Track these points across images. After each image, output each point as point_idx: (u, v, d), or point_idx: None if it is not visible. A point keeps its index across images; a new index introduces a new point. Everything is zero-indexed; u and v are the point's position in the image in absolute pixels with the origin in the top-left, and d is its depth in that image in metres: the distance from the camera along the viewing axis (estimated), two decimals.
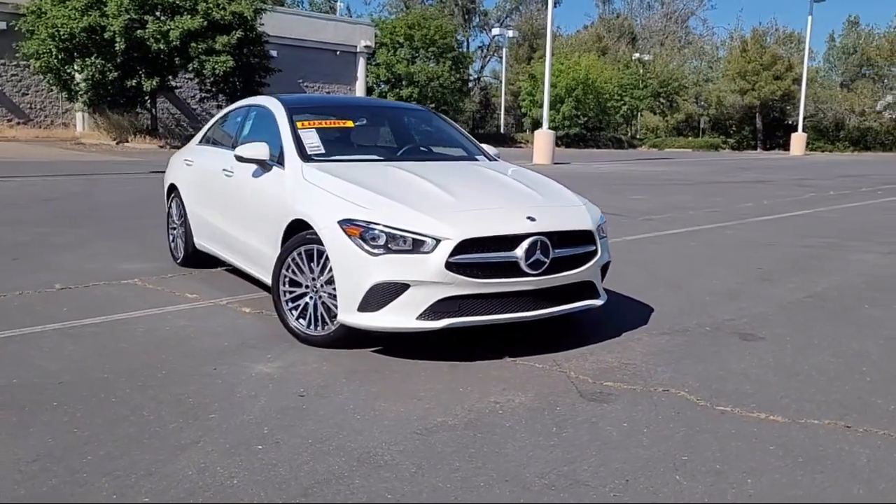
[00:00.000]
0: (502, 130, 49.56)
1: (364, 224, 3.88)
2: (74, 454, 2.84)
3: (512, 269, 3.92)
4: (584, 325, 4.76)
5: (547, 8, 28.16)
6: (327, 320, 4.16)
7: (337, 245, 3.94)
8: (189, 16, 25.76)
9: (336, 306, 4.08)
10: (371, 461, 2.85)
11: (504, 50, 47.42)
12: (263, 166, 4.82)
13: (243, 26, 27.10)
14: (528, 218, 4.01)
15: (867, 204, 13.39)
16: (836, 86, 62.31)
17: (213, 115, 29.95)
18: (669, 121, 58.78)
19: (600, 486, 2.70)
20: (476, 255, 3.84)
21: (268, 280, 4.76)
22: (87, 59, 25.33)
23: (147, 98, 27.97)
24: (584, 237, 4.24)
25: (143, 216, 9.52)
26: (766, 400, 3.55)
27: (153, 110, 29.35)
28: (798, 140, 42.38)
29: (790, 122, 58.28)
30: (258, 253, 4.83)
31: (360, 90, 39.32)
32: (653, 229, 9.30)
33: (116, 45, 25.10)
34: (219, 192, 5.46)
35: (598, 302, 4.41)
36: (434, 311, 3.83)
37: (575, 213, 4.34)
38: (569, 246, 4.13)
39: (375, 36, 39.78)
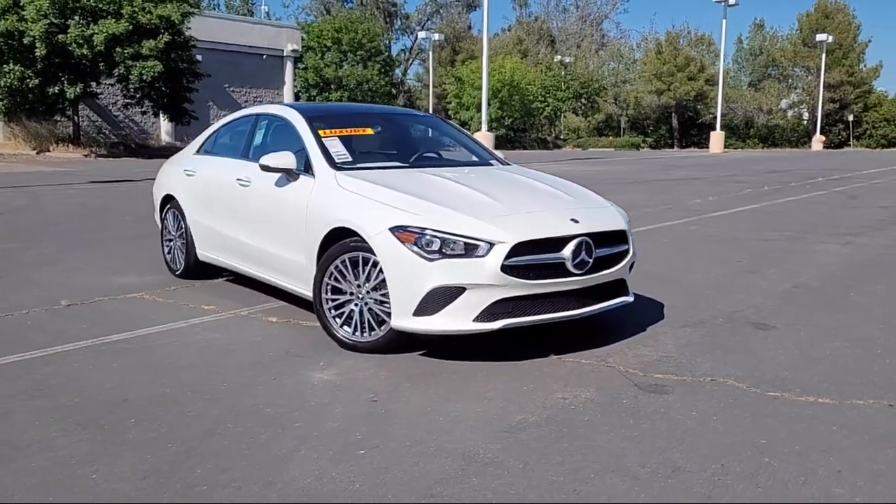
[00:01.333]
0: None
1: (418, 230, 3.96)
2: (182, 469, 2.83)
3: (559, 269, 4.07)
4: (608, 322, 4.96)
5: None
6: (374, 326, 4.21)
7: (391, 252, 4.00)
8: (113, 20, 24.93)
9: (383, 312, 4.14)
10: (477, 460, 2.95)
11: (430, 53, 47.67)
12: (290, 175, 4.82)
13: (170, 30, 26.40)
14: (572, 220, 4.17)
15: (802, 198, 14.17)
16: (745, 86, 65.32)
17: (136, 122, 28.67)
18: (591, 121, 60.30)
19: (700, 470, 2.87)
20: (528, 258, 3.98)
21: (297, 289, 4.79)
22: (4, 65, 24.21)
23: (68, 105, 26.90)
24: (619, 236, 4.44)
25: (103, 228, 9.25)
26: (807, 384, 3.81)
27: (75, 118, 28.27)
28: (717, 138, 44.26)
29: (704, 121, 60.83)
30: (285, 262, 4.83)
31: (287, 94, 38.87)
32: None
33: (36, 50, 24.08)
34: (232, 202, 5.41)
35: (629, 299, 4.61)
36: (490, 312, 3.95)
37: (609, 214, 4.53)
38: (607, 245, 4.32)
39: (302, 39, 39.41)
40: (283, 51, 38.33)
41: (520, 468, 2.88)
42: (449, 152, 5.67)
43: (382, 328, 4.18)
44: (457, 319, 3.95)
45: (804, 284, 6.24)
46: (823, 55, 55.50)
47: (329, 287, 4.33)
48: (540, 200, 4.50)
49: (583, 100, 58.09)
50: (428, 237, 3.94)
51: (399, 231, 3.99)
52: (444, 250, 3.93)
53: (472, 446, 3.07)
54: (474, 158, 5.59)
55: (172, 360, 4.14)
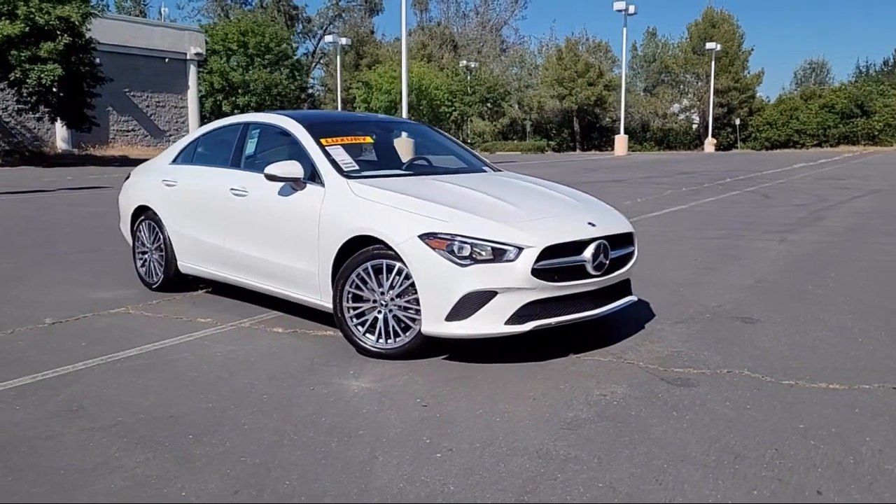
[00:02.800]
0: None
1: (449, 237, 4.05)
2: (268, 481, 2.83)
3: (580, 271, 4.25)
4: (609, 321, 5.17)
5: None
6: (399, 332, 4.27)
7: (421, 259, 4.07)
8: (8, 20, 23.66)
9: (408, 318, 4.21)
10: (552, 457, 3.07)
11: (338, 57, 47.38)
12: (297, 185, 4.80)
13: (70, 32, 25.27)
14: (590, 223, 4.36)
15: (721, 198, 14.97)
16: (641, 91, 68.10)
17: (30, 129, 27.40)
18: (496, 125, 61.43)
19: (759, 456, 3.09)
20: (554, 261, 4.13)
21: (304, 298, 4.78)
22: None
23: None
24: (628, 238, 4.66)
25: (50, 242, 8.83)
26: (813, 372, 4.12)
27: None
28: (621, 141, 45.98)
29: (604, 125, 63.08)
30: (290, 270, 4.81)
31: (192, 99, 37.83)
32: None
33: None
34: (226, 213, 5.31)
35: (634, 298, 4.84)
36: (520, 315, 4.08)
37: (617, 218, 4.75)
38: (618, 248, 4.53)
39: (206, 42, 38.42)
40: (186, 54, 37.31)
41: (596, 463, 3.02)
42: (439, 159, 5.76)
43: (407, 334, 4.24)
44: (488, 323, 4.06)
45: (764, 279, 6.67)
46: (713, 62, 58.46)
47: (350, 295, 4.36)
48: (556, 205, 4.68)
49: (489, 104, 59.14)
50: (458, 243, 4.04)
51: (429, 238, 4.07)
52: (474, 256, 4.03)
53: (541, 445, 3.18)
54: (465, 165, 5.71)
55: (197, 374, 4.07)
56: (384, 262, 4.24)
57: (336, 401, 3.68)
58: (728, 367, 4.20)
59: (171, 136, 36.26)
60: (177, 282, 5.90)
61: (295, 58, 41.76)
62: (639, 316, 5.29)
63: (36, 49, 24.01)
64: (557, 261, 4.16)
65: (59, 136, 32.88)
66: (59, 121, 28.67)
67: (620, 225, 4.65)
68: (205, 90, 37.95)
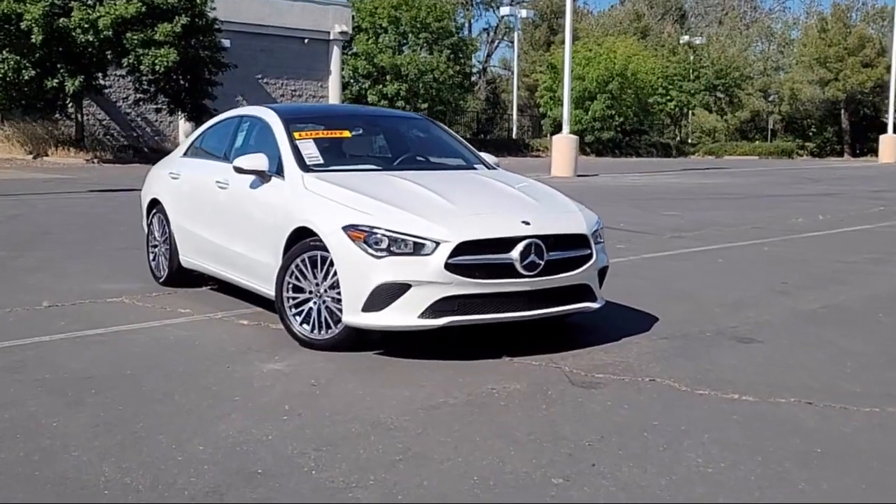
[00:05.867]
0: (514, 135, 51.29)
1: (367, 229, 5.47)
2: (128, 422, 4.39)
3: (508, 270, 5.49)
4: (585, 331, 6.32)
5: None
6: (331, 324, 5.72)
7: (342, 249, 5.51)
8: (123, 0, 27.52)
9: (340, 310, 5.64)
10: (383, 426, 4.40)
11: (516, 34, 49.57)
12: (262, 177, 6.41)
13: (190, 11, 28.93)
14: (523, 222, 5.60)
15: None
16: None
17: (150, 122, 31.26)
18: (730, 121, 60.77)
19: (578, 440, 4.24)
20: (474, 257, 5.42)
21: (265, 291, 6.34)
22: None
23: (70, 101, 29.63)
24: (579, 241, 5.82)
25: (99, 238, 11.14)
26: (742, 386, 5.10)
27: (78, 116, 31.07)
28: (889, 143, 43.70)
29: (884, 121, 60.48)
30: (257, 263, 6.40)
31: (333, 87, 41.19)
32: (679, 246, 10.90)
33: (33, 36, 26.80)
34: (212, 205, 7.05)
35: (594, 305, 5.98)
36: (434, 310, 5.40)
37: (570, 218, 5.94)
38: (563, 249, 5.71)
39: (353, 19, 41.72)
40: (329, 33, 40.67)
41: (417, 433, 4.32)
42: (436, 156, 7.17)
43: (338, 326, 5.68)
44: (403, 315, 5.41)
45: (837, 305, 7.42)
46: None
47: (290, 286, 5.88)
48: (498, 202, 5.96)
49: (719, 93, 58.75)
50: (378, 236, 5.43)
51: (350, 229, 5.50)
52: (392, 248, 5.41)
53: (384, 418, 4.52)
54: (458, 162, 7.08)
55: (139, 350, 5.76)
56: (318, 253, 5.73)
57: (239, 378, 5.21)
58: (655, 377, 5.27)
59: None
60: (181, 277, 7.70)
61: (458, 35, 44.23)
62: (625, 329, 6.38)
63: (151, 31, 27.82)
64: (479, 257, 5.44)
65: (182, 129, 37.19)
66: (179, 112, 32.66)
67: (568, 226, 5.82)
68: (348, 76, 41.21)
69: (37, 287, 7.83)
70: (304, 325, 5.84)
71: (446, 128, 7.65)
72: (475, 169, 7.00)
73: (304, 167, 6.30)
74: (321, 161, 6.43)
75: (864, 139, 61.05)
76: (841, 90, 58.60)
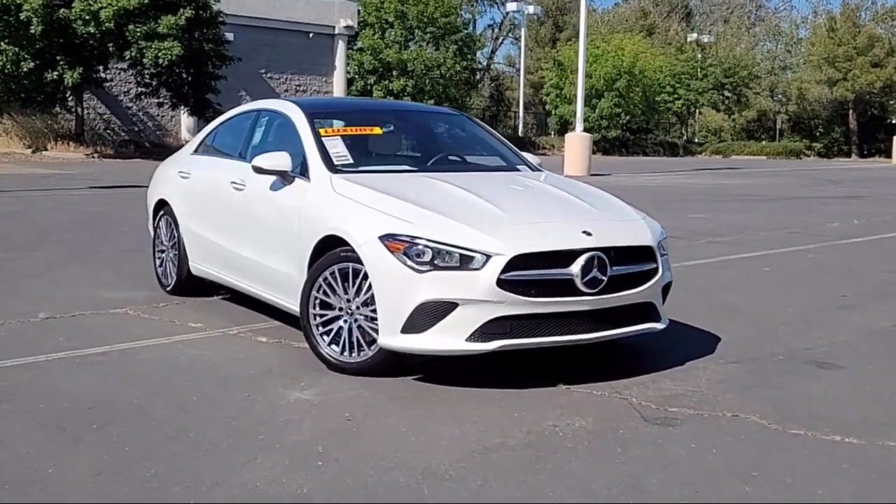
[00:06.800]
0: (520, 133, 50.75)
1: (408, 239, 4.80)
2: (137, 467, 3.73)
3: (567, 287, 4.83)
4: (644, 353, 5.67)
5: None
6: (364, 345, 5.06)
7: (378, 262, 4.85)
8: None
9: (374, 330, 4.98)
10: (435, 475, 3.74)
11: (523, 30, 48.94)
12: (284, 178, 5.75)
13: (194, 3, 28.30)
14: (584, 232, 4.94)
15: None
16: None
17: (152, 116, 30.64)
18: (737, 120, 60.21)
19: (667, 496, 3.58)
20: (530, 272, 4.76)
21: (287, 305, 5.68)
22: None
23: (70, 95, 29.03)
24: (644, 254, 5.17)
25: (100, 239, 10.48)
26: (840, 423, 4.44)
27: (78, 110, 30.45)
28: None
29: (893, 122, 59.88)
30: (278, 274, 5.74)
31: (338, 83, 40.62)
32: (718, 253, 10.25)
33: (32, 27, 26.19)
34: (226, 208, 6.39)
35: (659, 326, 5.32)
36: (484, 332, 4.74)
37: (634, 228, 5.28)
38: (628, 263, 5.05)
39: (358, 13, 41.14)
40: (334, 28, 40.14)
41: (478, 484, 3.66)
42: (473, 156, 6.51)
43: (372, 348, 5.02)
44: (448, 338, 4.75)
45: None
46: None
47: (317, 301, 5.21)
48: (553, 210, 5.30)
49: (726, 91, 58.19)
50: (420, 247, 4.77)
51: (388, 239, 4.84)
52: (436, 262, 4.75)
53: (435, 463, 3.86)
54: (499, 163, 6.42)
55: (148, 373, 5.10)
56: (351, 265, 5.06)
57: (262, 408, 4.54)
58: (737, 411, 4.61)
59: None
60: (190, 285, 7.03)
61: (465, 31, 43.61)
62: (689, 351, 5.73)
63: (154, 24, 27.19)
64: (536, 272, 4.78)
65: (184, 124, 36.61)
66: (182, 107, 32.07)
67: (634, 237, 5.16)
68: (353, 71, 40.59)
69: (33, 295, 7.17)
70: (333, 346, 5.17)
71: (484, 124, 6.99)
72: (518, 170, 6.34)
73: (332, 167, 5.64)
74: (350, 160, 5.78)
75: (871, 140, 60.54)
76: (850, 90, 58.07)
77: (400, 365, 5.08)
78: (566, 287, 4.84)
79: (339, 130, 6.01)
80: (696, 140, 57.67)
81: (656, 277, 5.22)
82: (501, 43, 68.52)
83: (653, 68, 51.29)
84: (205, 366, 5.28)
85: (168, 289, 7.22)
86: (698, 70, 55.86)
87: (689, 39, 58.61)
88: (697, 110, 57.92)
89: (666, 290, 5.46)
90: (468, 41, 43.73)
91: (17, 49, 26.68)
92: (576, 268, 4.82)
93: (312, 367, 5.21)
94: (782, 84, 62.37)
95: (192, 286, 7.07)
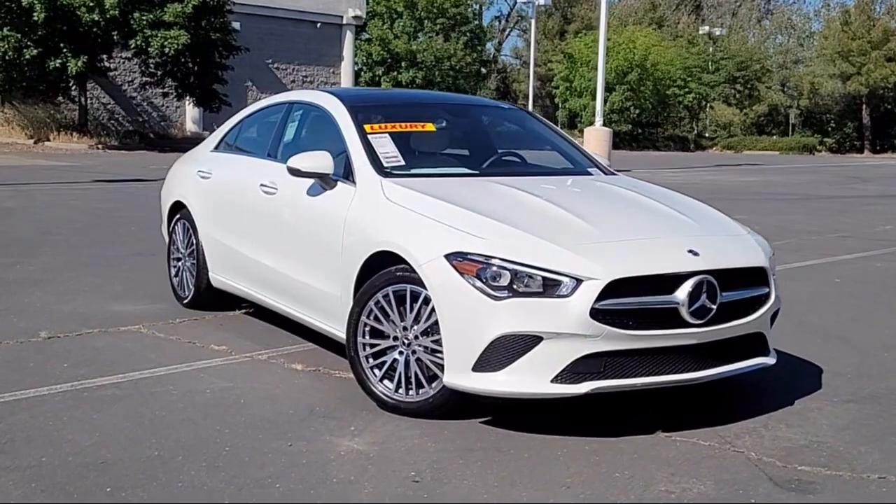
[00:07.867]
0: None
1: (482, 258, 4.00)
2: None
3: (670, 317, 4.04)
4: (743, 389, 4.88)
5: None
6: (423, 382, 4.26)
7: (444, 286, 4.05)
8: None
9: (437, 364, 4.18)
10: None
11: (532, 22, 48.01)
12: (325, 182, 4.95)
13: None
14: (690, 251, 4.14)
15: None
16: None
17: (156, 107, 29.88)
18: (748, 114, 59.34)
19: None
20: (628, 300, 3.96)
21: (328, 329, 4.90)
22: None
23: (73, 84, 28.27)
24: (756, 276, 4.39)
25: (107, 241, 9.69)
26: None
27: (81, 99, 29.68)
28: None
29: None
30: (316, 293, 4.95)
31: (345, 74, 39.84)
32: (777, 260, 9.43)
33: (35, 14, 25.42)
34: (254, 214, 5.59)
35: (770, 361, 4.54)
36: (574, 371, 3.95)
37: (744, 246, 4.49)
38: (738, 288, 4.26)
39: (367, 3, 40.31)
40: (342, 17, 39.34)
41: None
42: (536, 157, 5.71)
43: (434, 385, 4.22)
44: (529, 378, 3.96)
45: None
46: None
47: (367, 329, 4.41)
48: (649, 224, 4.50)
49: (738, 85, 57.27)
50: (495, 269, 3.97)
51: (457, 259, 4.04)
52: (515, 286, 3.95)
53: None
54: (569, 166, 5.62)
55: (167, 413, 4.30)
56: (408, 287, 4.26)
57: (309, 463, 3.75)
58: (883, 473, 3.81)
59: None
60: (209, 298, 6.24)
61: (476, 22, 42.79)
62: (793, 387, 4.94)
63: (160, 12, 26.37)
64: (634, 300, 3.99)
65: (189, 115, 35.81)
66: (187, 97, 31.27)
67: (745, 257, 4.38)
68: (361, 62, 39.77)
69: (34, 309, 6.37)
70: (387, 382, 4.37)
71: (546, 121, 6.17)
72: (590, 174, 5.53)
73: (381, 170, 4.84)
74: (402, 162, 4.97)
75: (885, 135, 59.65)
76: (863, 85, 57.06)
77: (465, 406, 4.28)
78: (669, 317, 4.05)
79: (386, 127, 5.20)
80: (707, 134, 56.81)
81: (769, 304, 4.43)
82: (508, 35, 67.63)
83: (664, 61, 50.54)
84: (234, 402, 4.48)
85: (185, 301, 6.42)
86: (710, 63, 54.96)
87: (700, 32, 57.71)
88: (708, 104, 57.00)
89: (774, 317, 4.67)
90: (478, 33, 42.84)
91: (19, 36, 25.87)
92: (681, 294, 4.02)
93: (361, 406, 4.41)
94: (794, 78, 61.41)
95: (211, 299, 6.27)
